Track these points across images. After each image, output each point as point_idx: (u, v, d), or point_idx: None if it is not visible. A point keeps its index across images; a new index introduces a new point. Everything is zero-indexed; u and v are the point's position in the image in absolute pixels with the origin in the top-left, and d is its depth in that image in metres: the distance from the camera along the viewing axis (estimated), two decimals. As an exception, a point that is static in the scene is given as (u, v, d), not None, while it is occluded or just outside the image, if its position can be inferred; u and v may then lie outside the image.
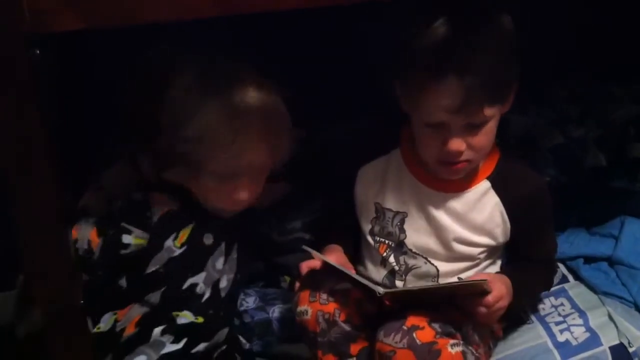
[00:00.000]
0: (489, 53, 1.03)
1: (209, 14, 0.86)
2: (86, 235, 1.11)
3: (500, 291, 1.13)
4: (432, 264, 1.22)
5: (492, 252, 1.23)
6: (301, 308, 1.15)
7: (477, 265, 1.23)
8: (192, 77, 1.08)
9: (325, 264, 1.15)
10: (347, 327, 1.13)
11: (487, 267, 1.24)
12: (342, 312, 1.13)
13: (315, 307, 1.14)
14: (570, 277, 1.45)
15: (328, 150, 1.60)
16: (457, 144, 1.09)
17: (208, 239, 1.19)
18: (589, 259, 1.45)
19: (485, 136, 1.10)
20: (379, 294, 1.08)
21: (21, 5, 0.80)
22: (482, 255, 1.22)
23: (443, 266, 1.21)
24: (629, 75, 1.71)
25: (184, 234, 1.16)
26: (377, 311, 1.16)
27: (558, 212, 1.40)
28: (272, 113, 1.11)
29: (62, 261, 0.95)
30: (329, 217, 1.42)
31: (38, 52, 0.85)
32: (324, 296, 1.14)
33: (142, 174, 1.18)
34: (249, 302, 1.37)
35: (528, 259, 1.25)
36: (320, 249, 1.25)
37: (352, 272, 1.15)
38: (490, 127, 1.10)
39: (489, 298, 1.12)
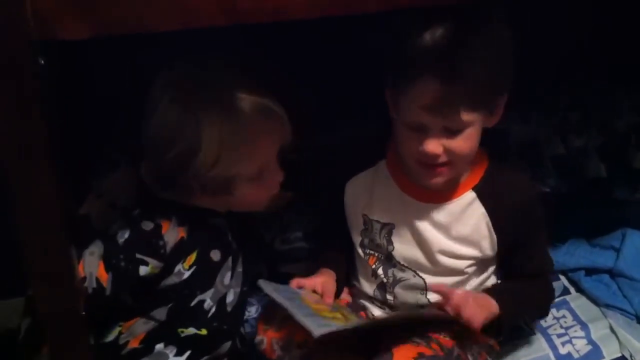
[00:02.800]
0: (472, 58, 1.01)
1: (217, 23, 0.85)
2: (93, 272, 1.06)
3: (470, 314, 1.10)
4: (420, 277, 1.21)
5: (480, 266, 1.21)
6: (257, 338, 1.15)
7: (466, 280, 1.21)
8: (179, 107, 1.06)
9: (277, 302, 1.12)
10: (301, 351, 1.12)
11: (479, 284, 1.23)
12: (295, 336, 1.12)
13: (269, 335, 1.13)
14: (571, 289, 1.45)
15: (321, 160, 1.59)
16: (433, 146, 1.06)
17: (216, 255, 1.17)
18: (590, 271, 1.45)
19: (465, 142, 1.07)
20: (315, 336, 1.03)
21: (25, 13, 0.79)
22: (469, 270, 1.20)
23: (431, 279, 1.20)
24: (632, 84, 1.70)
25: (192, 257, 1.14)
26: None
27: (559, 222, 1.41)
28: (265, 96, 1.10)
29: (63, 264, 0.94)
30: (325, 228, 1.41)
31: (43, 62, 0.83)
32: (277, 323, 1.13)
33: (145, 184, 1.16)
34: (251, 311, 1.37)
35: (517, 275, 1.22)
36: (317, 262, 1.29)
37: (295, 311, 1.09)
38: (470, 134, 1.07)
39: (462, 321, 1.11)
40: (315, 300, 1.19)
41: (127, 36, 1.16)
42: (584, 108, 1.70)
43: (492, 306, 1.14)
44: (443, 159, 1.08)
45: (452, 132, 1.06)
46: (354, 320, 1.14)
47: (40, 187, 0.88)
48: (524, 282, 1.21)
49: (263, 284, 1.17)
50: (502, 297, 1.15)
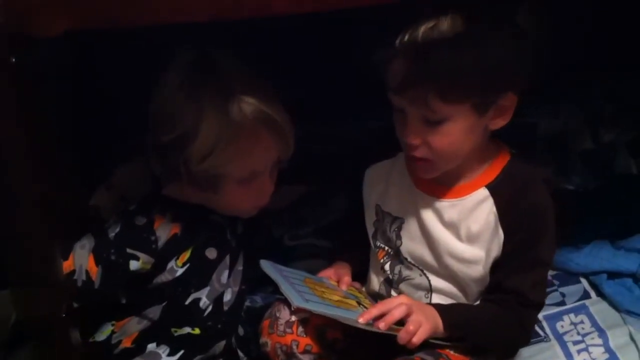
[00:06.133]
0: (445, 45, 0.98)
1: (201, 19, 0.84)
2: (83, 264, 1.06)
3: (417, 320, 1.05)
4: (426, 277, 1.17)
5: (484, 277, 1.14)
6: (262, 340, 1.14)
7: (467, 290, 1.16)
8: (184, 95, 1.06)
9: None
10: (305, 359, 1.11)
11: (477, 297, 1.17)
12: (300, 344, 1.11)
13: (273, 339, 1.11)
14: (592, 293, 1.39)
15: (342, 150, 1.57)
16: (410, 136, 1.05)
17: (211, 253, 1.16)
18: (613, 275, 1.38)
19: (443, 137, 1.04)
20: (293, 307, 1.06)
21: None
22: (474, 277, 1.14)
23: (436, 281, 1.17)
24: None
25: (186, 254, 1.13)
26: (342, 337, 1.13)
27: (583, 222, 1.38)
28: (271, 105, 1.09)
29: (45, 270, 0.93)
30: (345, 221, 1.40)
31: (14, 60, 0.81)
32: (281, 327, 1.12)
33: (153, 178, 1.17)
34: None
35: (495, 289, 1.13)
36: (334, 257, 1.29)
37: (282, 283, 1.12)
38: (450, 130, 1.03)
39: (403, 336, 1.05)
40: (324, 286, 1.18)
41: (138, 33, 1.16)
42: (616, 100, 1.63)
43: (437, 320, 1.08)
44: (422, 153, 1.07)
45: (431, 123, 1.03)
46: (350, 312, 1.10)
47: (20, 188, 0.87)
48: (491, 307, 1.13)
49: (264, 263, 1.17)
50: (450, 315, 1.10)
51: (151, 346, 1.14)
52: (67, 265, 1.05)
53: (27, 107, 0.86)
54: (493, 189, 1.12)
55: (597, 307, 1.35)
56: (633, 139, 1.58)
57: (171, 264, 1.12)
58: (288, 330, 1.11)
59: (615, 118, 1.62)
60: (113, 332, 1.14)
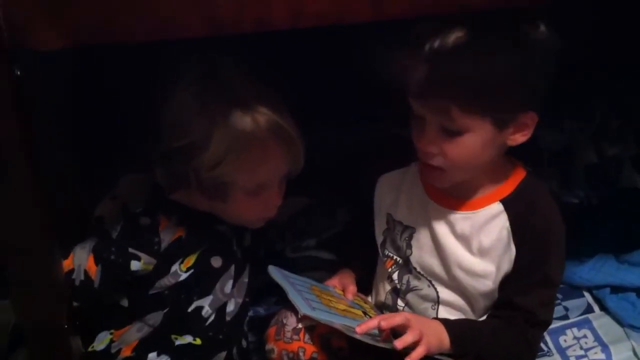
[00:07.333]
0: (476, 60, 0.97)
1: (197, 34, 0.82)
2: (82, 264, 1.06)
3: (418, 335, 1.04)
4: (434, 288, 1.17)
5: (492, 292, 1.14)
6: (268, 346, 1.13)
7: (475, 304, 1.16)
8: (196, 105, 1.05)
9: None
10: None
11: (484, 312, 1.17)
12: (306, 351, 1.10)
13: (279, 346, 1.10)
14: (595, 307, 1.38)
15: (352, 157, 1.56)
16: (427, 144, 1.05)
17: (216, 262, 1.15)
18: (616, 289, 1.37)
19: (459, 149, 1.03)
20: (300, 314, 1.06)
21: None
22: (483, 292, 1.14)
23: (444, 293, 1.16)
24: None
25: (190, 259, 1.13)
26: (347, 345, 1.11)
27: (586, 236, 1.37)
28: (283, 118, 1.08)
29: (45, 279, 0.92)
30: (351, 229, 1.40)
31: (18, 72, 0.80)
32: (288, 334, 1.11)
33: (158, 186, 1.15)
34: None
35: (502, 306, 1.13)
36: (336, 269, 1.28)
37: (290, 290, 1.11)
38: (468, 142, 1.02)
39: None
40: (330, 295, 1.18)
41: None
42: (622, 115, 1.62)
43: (442, 335, 1.08)
44: (437, 162, 1.06)
45: (449, 132, 1.02)
46: (356, 322, 1.09)
47: (17, 195, 0.86)
48: (498, 324, 1.13)
49: (272, 269, 1.16)
50: (457, 329, 1.09)
51: (152, 356, 1.12)
52: (65, 265, 1.05)
53: (27, 108, 0.85)
54: (507, 204, 1.11)
55: (601, 321, 1.34)
56: (637, 155, 1.57)
57: (175, 267, 1.11)
58: (295, 337, 1.10)
59: (620, 132, 1.61)
60: (112, 340, 1.13)
